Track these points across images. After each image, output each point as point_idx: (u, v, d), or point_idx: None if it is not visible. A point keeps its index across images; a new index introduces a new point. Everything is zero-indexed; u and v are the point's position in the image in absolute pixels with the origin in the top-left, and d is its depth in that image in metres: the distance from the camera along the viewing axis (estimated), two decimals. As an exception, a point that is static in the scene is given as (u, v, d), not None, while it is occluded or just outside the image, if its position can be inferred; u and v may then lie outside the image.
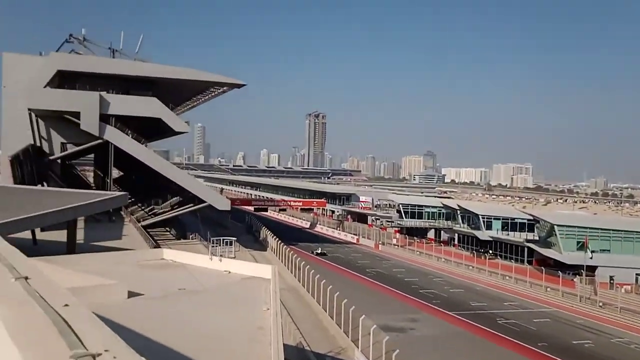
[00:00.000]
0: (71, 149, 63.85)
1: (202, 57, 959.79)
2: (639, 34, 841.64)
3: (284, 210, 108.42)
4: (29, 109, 56.40)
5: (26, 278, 3.78)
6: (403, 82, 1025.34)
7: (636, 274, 59.28)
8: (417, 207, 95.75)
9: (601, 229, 65.82)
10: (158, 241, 51.64)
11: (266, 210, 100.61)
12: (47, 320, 2.82)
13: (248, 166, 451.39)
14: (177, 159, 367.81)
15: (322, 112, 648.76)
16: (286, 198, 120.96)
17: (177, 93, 69.97)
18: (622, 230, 66.23)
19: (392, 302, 48.26)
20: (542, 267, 61.56)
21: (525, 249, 71.01)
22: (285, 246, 52.09)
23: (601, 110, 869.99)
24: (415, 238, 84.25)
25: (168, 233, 63.48)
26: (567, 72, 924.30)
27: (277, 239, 57.76)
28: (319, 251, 72.36)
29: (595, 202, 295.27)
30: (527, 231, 77.69)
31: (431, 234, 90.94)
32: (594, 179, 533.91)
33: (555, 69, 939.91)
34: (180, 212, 64.09)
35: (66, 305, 3.12)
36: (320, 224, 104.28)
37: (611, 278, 58.60)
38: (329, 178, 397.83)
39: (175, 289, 17.59)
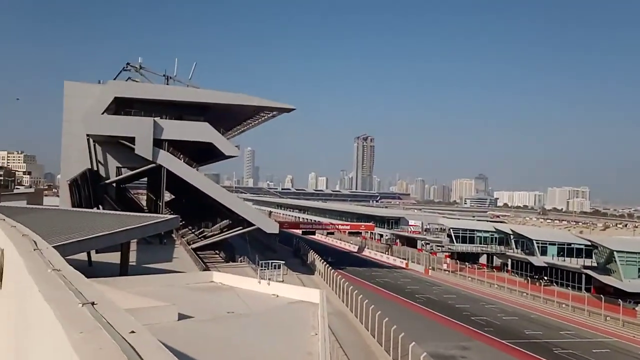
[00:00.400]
0: (126, 173, 66.02)
1: (250, 79, 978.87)
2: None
3: (332, 233, 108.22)
4: (87, 135, 58.82)
5: (93, 303, 3.94)
6: (454, 103, 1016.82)
7: (702, 303, 56.13)
8: (468, 232, 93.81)
9: (665, 255, 62.82)
10: (207, 264, 52.38)
11: (314, 233, 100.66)
12: (116, 348, 2.93)
13: (296, 189, 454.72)
14: (227, 182, 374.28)
15: (370, 135, 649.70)
16: (334, 221, 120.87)
17: (228, 117, 71.48)
18: (686, 257, 63.02)
19: (443, 329, 47.19)
20: (601, 295, 59.10)
21: (583, 276, 68.41)
22: (333, 270, 51.94)
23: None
24: (466, 263, 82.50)
25: (217, 256, 64.29)
26: (628, 89, 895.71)
27: (325, 262, 57.68)
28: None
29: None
30: (585, 257, 74.87)
31: (483, 260, 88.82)
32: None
33: (610, 89, 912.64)
34: (230, 235, 64.96)
35: (132, 332, 3.24)
36: (368, 248, 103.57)
37: (677, 307, 55.69)
38: (377, 201, 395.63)
39: (224, 312, 17.82)
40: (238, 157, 74.94)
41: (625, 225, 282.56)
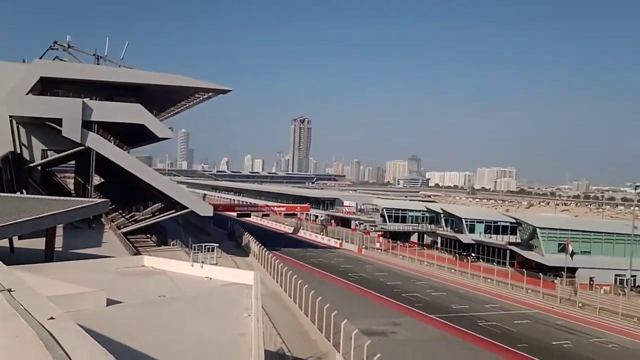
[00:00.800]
0: (52, 156, 63.35)
1: (185, 60, 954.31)
2: None
3: (267, 215, 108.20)
4: (10, 116, 55.95)
5: (10, 290, 3.94)
6: (388, 86, 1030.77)
7: (615, 275, 60.28)
8: (400, 211, 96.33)
9: (582, 231, 66.82)
10: (139, 248, 51.43)
11: (249, 215, 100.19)
12: (32, 335, 2.96)
13: (231, 172, 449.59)
14: (160, 165, 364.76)
15: (307, 117, 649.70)
16: (269, 203, 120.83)
17: (161, 99, 69.72)
18: (602, 232, 67.31)
19: (375, 306, 48.54)
20: (524, 270, 62.37)
21: (508, 252, 71.83)
22: (267, 252, 52.11)
23: (583, 114, 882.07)
24: (398, 242, 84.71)
25: (149, 240, 63.12)
26: (551, 74, 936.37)
27: (260, 244, 57.76)
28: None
29: (577, 204, 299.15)
30: (510, 234, 78.59)
31: (414, 238, 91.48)
32: (576, 181, 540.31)
33: (538, 71, 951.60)
34: (162, 218, 63.81)
35: (52, 318, 3.27)
36: (303, 229, 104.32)
37: (591, 279, 59.54)
38: (313, 183, 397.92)
39: (155, 296, 17.69)
40: (172, 140, 73.51)
41: (548, 203, 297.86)
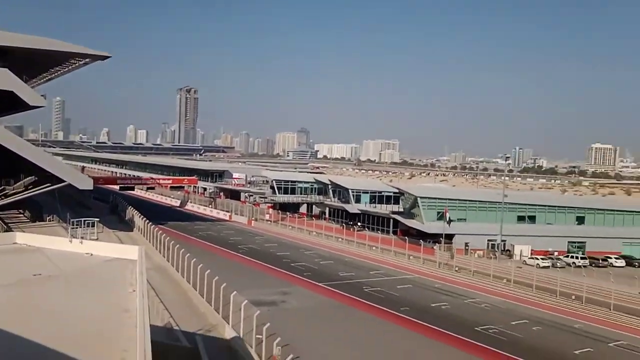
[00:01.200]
0: None
1: (62, 26, 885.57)
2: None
3: (153, 188, 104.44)
4: None
5: None
6: (278, 57, 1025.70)
7: (488, 240, 65.28)
8: (290, 183, 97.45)
9: (458, 200, 71.54)
10: (10, 224, 48.01)
11: (133, 189, 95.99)
12: None
13: (113, 143, 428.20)
14: (33, 135, 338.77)
15: (194, 87, 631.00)
16: (155, 176, 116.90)
17: (33, 64, 64.17)
18: (476, 201, 72.47)
19: (264, 277, 48.90)
20: (406, 237, 65.72)
21: (391, 221, 75.21)
22: (153, 226, 50.43)
23: (460, 89, 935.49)
24: (287, 213, 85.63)
25: (22, 215, 58.89)
26: (426, 50, 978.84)
27: (145, 218, 55.74)
28: None
29: (454, 175, 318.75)
30: (393, 204, 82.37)
31: (303, 209, 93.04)
32: (454, 153, 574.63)
33: (417, 47, 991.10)
34: (35, 192, 59.45)
35: None
36: (191, 202, 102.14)
37: (466, 245, 64.06)
38: (201, 155, 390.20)
39: (30, 275, 16.48)
40: (46, 109, 68.14)
41: (428, 174, 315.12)
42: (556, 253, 63.73)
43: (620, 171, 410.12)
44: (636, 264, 63.37)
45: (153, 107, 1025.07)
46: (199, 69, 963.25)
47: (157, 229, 48.19)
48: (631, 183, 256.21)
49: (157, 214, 76.33)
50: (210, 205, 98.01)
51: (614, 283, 43.71)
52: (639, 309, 40.66)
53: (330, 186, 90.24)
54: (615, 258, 63.15)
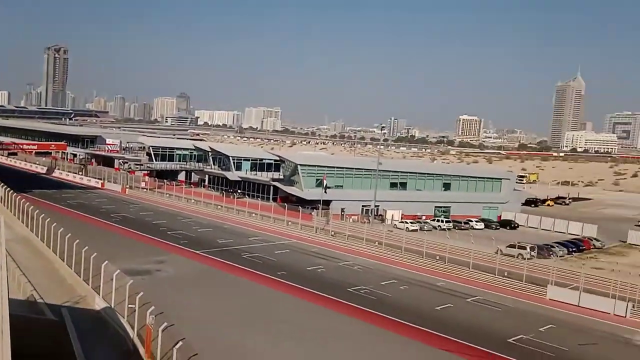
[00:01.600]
0: None
1: None
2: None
3: (15, 154, 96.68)
4: None
5: None
6: (154, 17, 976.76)
7: (362, 206, 67.93)
8: (168, 150, 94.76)
9: (336, 167, 73.57)
10: None
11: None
12: None
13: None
14: None
15: (63, 46, 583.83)
16: (17, 141, 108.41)
17: None
18: (352, 168, 74.93)
19: (139, 246, 47.48)
20: (285, 204, 66.69)
21: (272, 188, 75.74)
22: (15, 194, 46.73)
23: (341, 58, 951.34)
24: (165, 181, 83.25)
25: None
26: (313, 14, 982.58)
27: (5, 186, 51.45)
28: None
29: (334, 143, 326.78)
30: (274, 171, 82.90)
31: (182, 176, 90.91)
32: (334, 122, 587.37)
33: (295, 8, 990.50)
34: None
35: None
36: (59, 169, 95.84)
37: (342, 210, 66.27)
38: (71, 119, 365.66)
39: None
40: None
41: (309, 142, 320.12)
42: (424, 217, 67.87)
43: (484, 141, 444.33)
44: (493, 226, 69.24)
45: (16, 66, 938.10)
46: (70, 27, 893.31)
47: (19, 197, 44.76)
48: (492, 152, 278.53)
49: (20, 181, 70.94)
50: (80, 173, 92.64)
51: (473, 244, 47.55)
52: (493, 267, 44.62)
53: (210, 153, 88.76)
54: (476, 221, 68.50)
